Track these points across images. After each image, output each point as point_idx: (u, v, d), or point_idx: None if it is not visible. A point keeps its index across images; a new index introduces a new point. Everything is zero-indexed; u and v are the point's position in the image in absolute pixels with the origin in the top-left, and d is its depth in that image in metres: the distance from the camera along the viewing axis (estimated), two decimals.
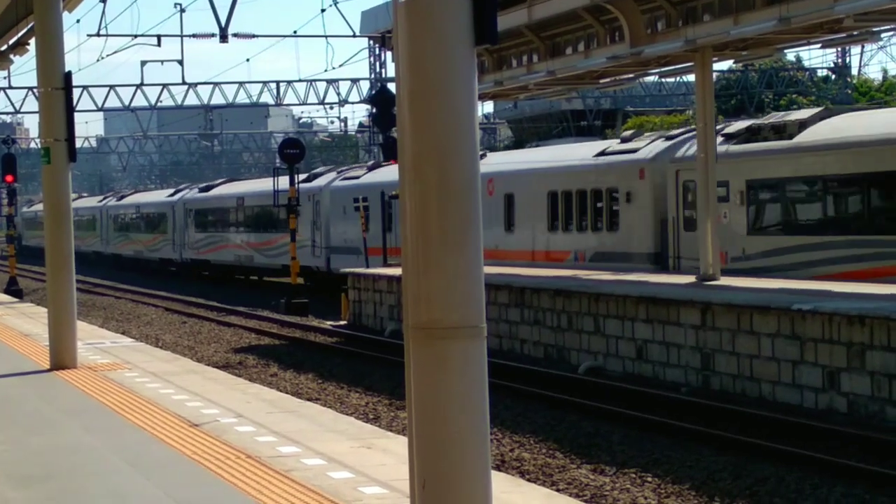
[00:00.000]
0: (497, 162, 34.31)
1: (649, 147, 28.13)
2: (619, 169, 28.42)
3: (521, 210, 31.87)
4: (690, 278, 23.07)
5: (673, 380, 20.12)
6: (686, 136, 27.91)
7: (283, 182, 40.06)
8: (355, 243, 38.98)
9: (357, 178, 42.34)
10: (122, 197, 74.43)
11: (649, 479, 13.45)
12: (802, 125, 24.02)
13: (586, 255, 29.21)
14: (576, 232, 29.76)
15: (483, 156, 34.09)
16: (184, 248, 57.35)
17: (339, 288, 35.64)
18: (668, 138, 28.34)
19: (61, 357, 15.07)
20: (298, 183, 40.15)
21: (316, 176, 46.50)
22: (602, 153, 29.68)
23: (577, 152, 31.71)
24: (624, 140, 30.28)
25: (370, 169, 43.12)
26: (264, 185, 48.18)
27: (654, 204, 27.08)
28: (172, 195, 62.27)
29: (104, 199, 79.52)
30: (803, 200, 23.87)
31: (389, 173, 38.16)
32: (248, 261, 50.03)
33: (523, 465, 14.35)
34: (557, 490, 12.69)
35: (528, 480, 12.81)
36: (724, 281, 22.19)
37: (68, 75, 15.23)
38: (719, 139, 25.20)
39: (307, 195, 43.13)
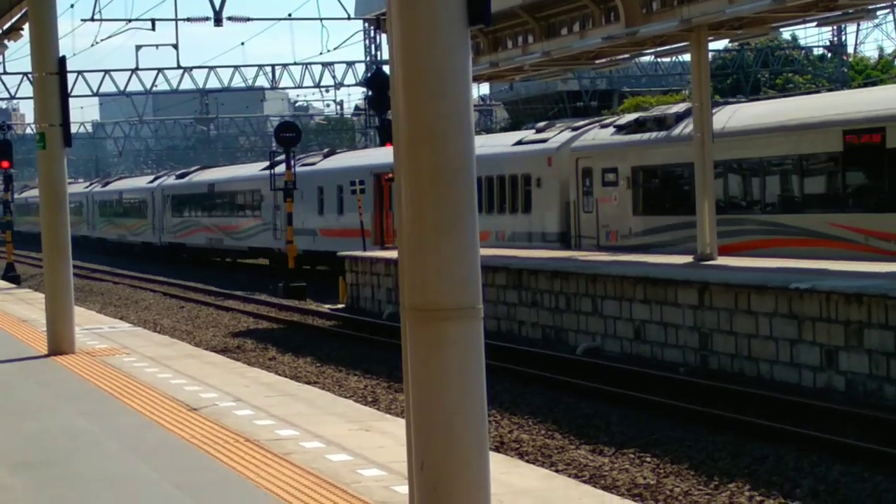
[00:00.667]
0: (372, 152, 37.73)
1: (557, 137, 31.11)
2: (531, 157, 31.52)
3: (486, 194, 33.82)
4: (688, 258, 23.08)
5: (671, 360, 20.13)
6: (588, 126, 31.12)
7: (250, 168, 44.80)
8: (310, 225, 42.76)
9: (313, 164, 45.24)
10: (107, 183, 77.13)
11: (648, 459, 13.47)
12: (679, 118, 26.99)
13: (505, 235, 32.11)
14: (496, 214, 32.70)
15: None
16: (162, 232, 60.20)
17: (297, 267, 39.74)
18: (574, 129, 31.32)
19: (59, 342, 15.07)
20: (273, 169, 42.38)
21: (276, 163, 47.32)
22: (519, 142, 32.84)
23: (500, 141, 34.89)
24: (538, 130, 33.42)
25: (325, 156, 46.54)
26: (233, 172, 53.74)
27: (560, 189, 30.20)
28: (152, 182, 65.11)
29: (90, 185, 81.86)
30: (675, 184, 26.74)
31: (343, 160, 41.86)
32: (218, 243, 53.24)
33: (522, 446, 14.37)
34: (556, 471, 12.70)
35: (527, 461, 12.82)
36: (722, 261, 22.20)
37: (62, 60, 15.19)
38: (612, 130, 29.11)
39: (267, 181, 44.50)
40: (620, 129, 28.91)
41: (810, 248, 22.67)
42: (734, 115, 25.74)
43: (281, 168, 44.53)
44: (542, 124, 35.30)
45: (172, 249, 59.35)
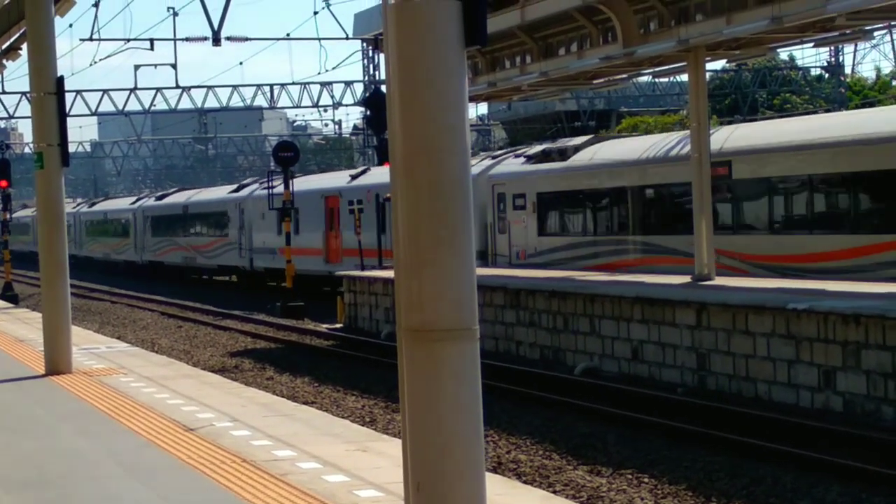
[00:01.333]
0: (376, 174, 40.45)
1: (478, 165, 34.45)
2: None
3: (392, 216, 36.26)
4: (685, 279, 23.08)
5: (669, 380, 20.12)
6: (504, 156, 34.97)
7: (219, 191, 50.72)
8: (270, 244, 45.94)
9: (275, 188, 47.06)
10: (93, 204, 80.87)
11: (646, 479, 13.44)
12: (576, 149, 30.87)
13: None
14: None
15: (367, 170, 43.04)
16: (143, 250, 64.09)
17: (262, 283, 46.88)
18: (493, 157, 35.32)
19: (56, 362, 15.05)
20: (239, 192, 48.29)
21: (243, 186, 53.21)
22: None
23: None
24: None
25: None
26: (204, 194, 57.94)
27: (480, 211, 32.66)
28: (134, 203, 69.01)
29: (77, 205, 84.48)
30: (569, 209, 30.37)
31: (299, 184, 43.55)
32: (192, 261, 56.62)
33: (520, 466, 14.35)
34: (554, 492, 12.68)
35: (525, 482, 12.81)
36: (719, 281, 22.20)
37: (60, 80, 15.20)
38: (523, 159, 32.66)
39: (234, 203, 50.51)
40: (529, 158, 32.49)
41: (676, 265, 25.52)
42: (601, 150, 30.25)
43: (243, 191, 50.83)
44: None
45: (153, 267, 62.59)
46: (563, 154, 30.93)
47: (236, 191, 52.53)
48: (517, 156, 33.63)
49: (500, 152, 36.05)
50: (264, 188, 46.97)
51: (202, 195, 58.40)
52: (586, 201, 29.62)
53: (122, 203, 73.58)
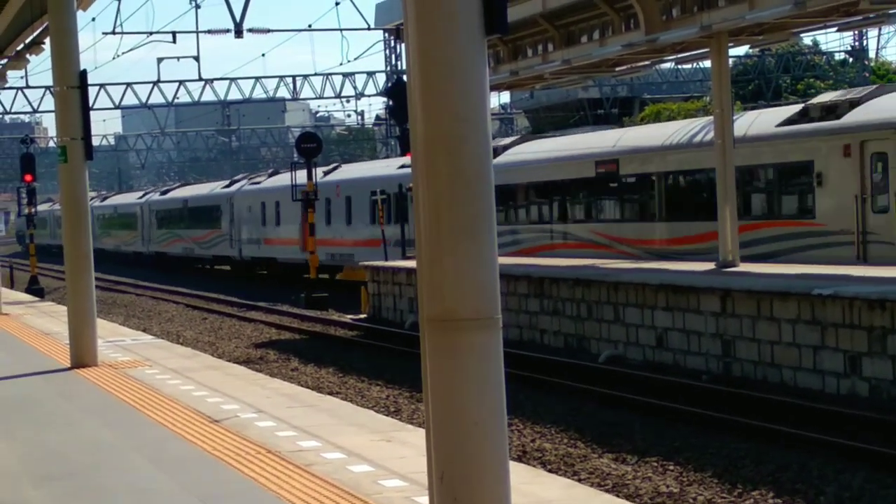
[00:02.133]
0: (345, 170, 45.25)
1: None
2: (403, 178, 36.93)
3: (356, 209, 41.80)
4: (710, 265, 23.02)
5: (694, 367, 20.08)
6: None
7: (215, 185, 57.67)
8: (255, 235, 50.53)
9: (259, 183, 52.99)
10: (105, 198, 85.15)
11: (671, 467, 13.42)
12: (505, 148, 34.90)
13: (391, 243, 37.14)
14: (386, 224, 38.80)
15: (338, 167, 48.18)
16: (149, 242, 68.01)
17: (251, 271, 52.00)
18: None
19: (82, 355, 15.12)
20: (232, 186, 53.49)
21: (234, 182, 57.80)
22: (405, 165, 38.72)
23: (392, 163, 42.33)
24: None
25: (269, 176, 54.16)
26: (202, 189, 62.52)
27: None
28: (141, 197, 73.01)
29: (90, 200, 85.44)
30: (500, 202, 31.95)
31: (281, 180, 48.68)
32: (191, 252, 60.62)
33: (545, 455, 14.34)
34: (579, 480, 12.68)
35: (550, 471, 12.80)
36: (744, 267, 22.12)
37: (83, 74, 15.25)
38: None
39: (226, 198, 54.94)
40: None
41: (583, 250, 29.59)
42: (524, 148, 34.70)
43: (233, 187, 55.39)
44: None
45: (158, 258, 66.37)
46: (494, 153, 34.88)
47: (228, 186, 57.13)
48: None
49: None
50: (252, 183, 53.30)
51: (200, 190, 62.53)
52: (514, 194, 33.29)
53: (131, 197, 77.75)
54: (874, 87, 26.14)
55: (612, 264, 25.58)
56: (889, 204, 21.90)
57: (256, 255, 50.88)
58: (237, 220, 52.92)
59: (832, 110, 23.77)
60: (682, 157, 27.12)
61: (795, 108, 25.58)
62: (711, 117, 25.45)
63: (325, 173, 45.42)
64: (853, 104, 23.37)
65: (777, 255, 23.86)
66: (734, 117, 24.79)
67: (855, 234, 22.39)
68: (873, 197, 22.22)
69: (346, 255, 41.11)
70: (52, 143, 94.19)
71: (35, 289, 42.28)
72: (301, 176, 45.77)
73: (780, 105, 39.34)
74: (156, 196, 69.67)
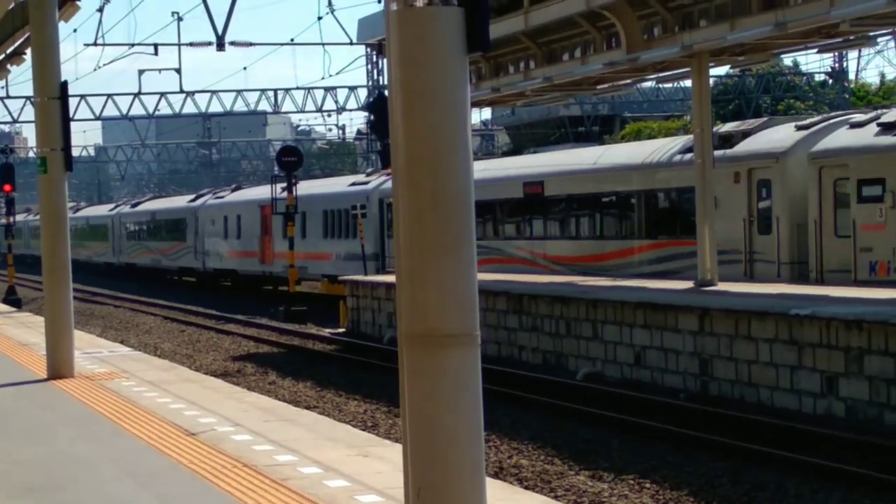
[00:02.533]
0: (303, 186, 45.90)
1: (375, 181, 41.01)
2: (358, 195, 40.70)
3: (310, 223, 43.83)
4: (688, 284, 23.07)
5: (671, 385, 20.11)
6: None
7: (181, 199, 61.24)
8: (218, 249, 52.97)
9: (222, 197, 55.39)
10: (77, 210, 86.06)
11: (648, 485, 13.44)
12: None
13: (341, 255, 40.65)
14: (335, 239, 41.83)
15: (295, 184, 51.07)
16: (120, 253, 70.36)
17: (213, 281, 54.43)
18: (388, 174, 40.32)
19: (58, 366, 15.06)
20: (196, 201, 56.44)
21: (200, 196, 60.14)
22: (353, 184, 42.96)
23: (341, 182, 45.55)
24: (368, 175, 44.50)
25: (233, 191, 56.76)
26: (168, 203, 65.75)
27: (378, 219, 39.28)
28: (112, 209, 75.34)
29: None
30: None
31: (243, 195, 52.74)
32: (157, 263, 63.01)
33: (521, 471, 14.34)
34: (555, 497, 12.68)
35: (526, 488, 12.81)
36: (722, 286, 22.19)
37: (64, 85, 15.22)
38: None
39: (191, 212, 57.17)
40: None
41: (510, 265, 31.66)
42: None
43: (198, 200, 57.50)
44: (370, 171, 47.72)
45: (128, 268, 68.83)
46: None
47: (193, 200, 59.78)
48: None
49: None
50: (216, 198, 55.85)
51: (167, 203, 65.48)
52: None
53: (103, 210, 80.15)
54: (766, 119, 28.46)
55: (591, 282, 25.63)
56: (772, 226, 24.27)
57: (219, 266, 53.38)
58: (201, 232, 55.31)
59: (727, 140, 26.01)
60: (597, 180, 29.59)
61: (686, 139, 27.99)
62: (625, 143, 30.98)
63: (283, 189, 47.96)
64: (745, 135, 25.77)
65: (679, 271, 25.82)
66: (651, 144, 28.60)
67: (743, 253, 24.79)
68: (759, 220, 24.69)
69: (300, 267, 41.69)
70: (31, 154, 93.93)
71: (12, 299, 42.11)
72: (263, 191, 49.15)
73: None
74: (126, 209, 72.12)
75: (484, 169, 34.51)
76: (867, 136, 22.75)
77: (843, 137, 23.13)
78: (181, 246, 58.50)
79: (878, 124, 22.77)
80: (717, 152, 24.76)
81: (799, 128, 24.64)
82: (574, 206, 30.59)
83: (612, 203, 29.32)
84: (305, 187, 47.09)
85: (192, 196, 61.83)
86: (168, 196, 77.53)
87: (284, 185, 48.61)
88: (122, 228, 69.80)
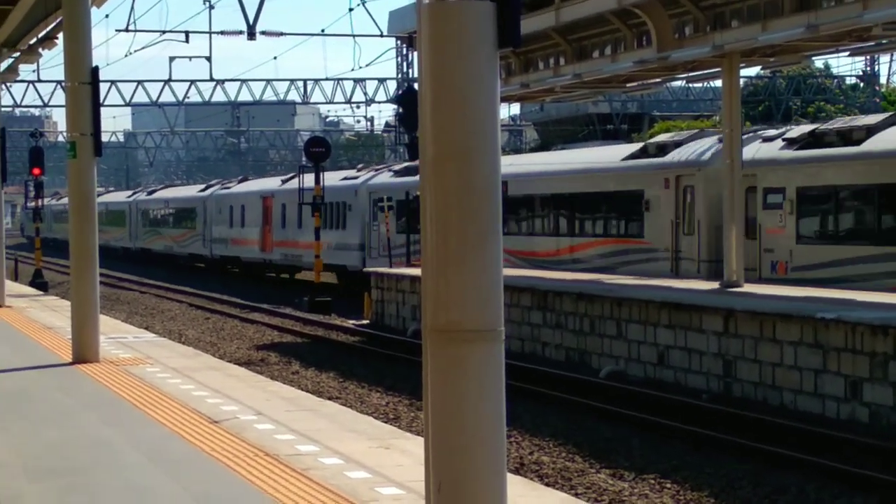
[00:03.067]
0: (265, 181, 51.93)
1: (364, 176, 44.24)
2: (347, 189, 43.52)
3: (306, 215, 44.38)
4: (714, 284, 23.01)
5: (694, 386, 20.07)
6: (382, 169, 44.78)
7: (192, 189, 66.02)
8: (223, 235, 55.85)
9: (229, 188, 58.54)
10: (98, 195, 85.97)
11: (668, 485, 13.42)
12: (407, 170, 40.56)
13: (332, 245, 42.71)
14: (328, 230, 42.81)
15: (294, 176, 51.67)
16: (136, 239, 72.99)
17: (222, 268, 57.26)
18: (376, 170, 44.91)
19: (83, 351, 15.13)
20: (207, 190, 60.26)
21: (210, 186, 63.74)
22: (345, 178, 45.26)
23: (335, 176, 45.79)
24: (358, 170, 47.27)
25: (239, 182, 60.08)
26: (181, 192, 68.66)
27: (363, 213, 42.02)
28: (130, 196, 78.23)
29: None
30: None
31: (248, 186, 56.02)
32: (170, 249, 65.52)
33: (542, 468, 14.34)
34: (576, 494, 12.67)
35: (547, 484, 12.80)
36: (748, 288, 22.13)
37: (95, 70, 15.26)
38: (391, 173, 42.68)
39: (201, 201, 59.99)
40: (396, 173, 42.06)
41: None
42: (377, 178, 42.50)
43: (207, 191, 60.71)
44: (360, 166, 50.65)
45: (143, 253, 71.08)
46: (409, 172, 40.16)
47: (203, 190, 62.61)
48: (389, 170, 43.55)
49: (380, 167, 46.62)
50: (223, 188, 59.03)
51: (180, 192, 68.25)
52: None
53: (120, 196, 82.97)
54: (696, 131, 31.85)
55: (616, 280, 25.60)
56: (694, 228, 26.87)
57: (224, 253, 56.28)
58: (209, 221, 58.28)
59: (662, 148, 28.96)
60: (547, 183, 32.65)
61: (638, 145, 31.50)
62: (581, 148, 35.78)
63: (284, 181, 51.50)
64: (677, 144, 28.71)
65: (616, 267, 28.87)
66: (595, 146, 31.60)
67: (670, 251, 27.46)
68: (683, 222, 27.24)
69: (296, 255, 46.63)
70: (61, 138, 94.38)
71: (39, 282, 42.30)
72: (266, 182, 53.05)
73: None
74: (143, 195, 75.28)
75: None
76: (773, 149, 25.48)
77: (754, 150, 25.48)
78: (191, 233, 61.49)
79: (784, 139, 25.46)
80: (653, 160, 28.56)
81: (721, 140, 25.47)
82: (535, 205, 33.16)
83: (561, 203, 32.21)
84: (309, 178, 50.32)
85: (203, 186, 65.04)
86: (192, 184, 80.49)
87: (285, 177, 52.32)
88: (138, 215, 72.52)
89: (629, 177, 29.00)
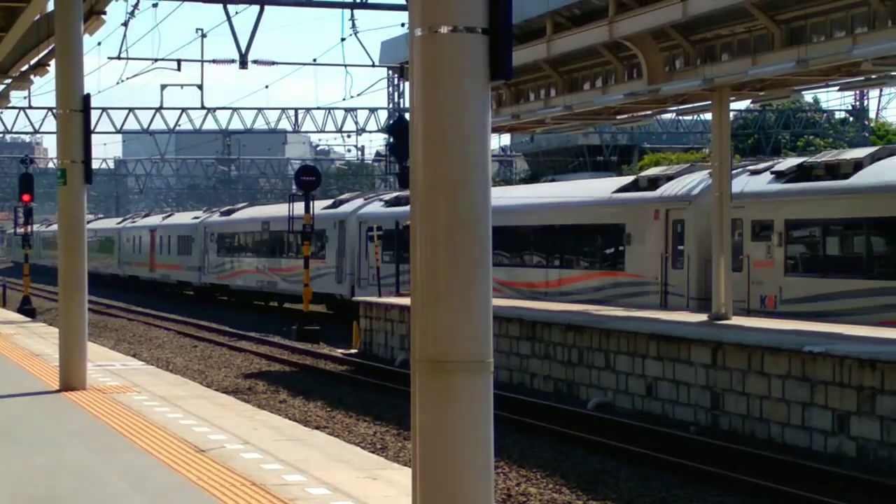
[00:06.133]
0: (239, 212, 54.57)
1: (349, 205, 45.35)
2: (329, 218, 44.40)
3: (277, 244, 48.43)
4: (702, 317, 23.03)
5: (682, 418, 20.05)
6: (372, 198, 45.38)
7: (185, 216, 67.37)
8: (214, 264, 57.61)
9: (226, 216, 59.71)
10: (87, 222, 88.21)
11: None
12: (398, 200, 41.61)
13: (319, 274, 43.33)
14: (313, 259, 42.60)
15: (171, 214, 62.47)
16: (124, 265, 74.44)
17: (212, 297, 58.45)
18: (366, 199, 45.58)
19: (70, 378, 15.07)
20: (201, 219, 61.55)
21: (210, 212, 65.57)
22: (327, 207, 46.19)
23: (323, 205, 46.49)
24: (338, 201, 47.96)
25: (228, 213, 60.88)
26: (172, 220, 69.02)
27: (350, 241, 42.97)
28: (119, 223, 79.98)
29: None
30: (404, 239, 34.47)
31: (245, 213, 57.05)
32: (166, 278, 66.45)
33: (529, 499, 14.30)
34: None
35: None
36: (736, 321, 22.15)
37: (87, 98, 15.27)
38: (382, 203, 43.37)
39: (199, 228, 61.02)
40: (386, 203, 42.78)
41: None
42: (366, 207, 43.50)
43: (201, 220, 61.59)
44: (345, 195, 51.73)
45: (131, 280, 72.37)
46: (399, 202, 40.97)
47: (196, 217, 64.33)
48: (379, 199, 44.30)
49: (369, 195, 47.09)
50: (220, 215, 60.26)
51: (170, 220, 69.66)
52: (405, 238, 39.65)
53: (109, 223, 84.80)
54: (687, 165, 32.14)
55: (605, 311, 25.60)
56: (684, 261, 26.91)
57: (214, 282, 58.89)
58: (205, 250, 60.44)
59: (654, 182, 29.09)
60: (537, 214, 33.29)
61: (629, 178, 31.85)
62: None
63: (226, 214, 56.98)
64: (669, 178, 28.79)
65: (607, 300, 28.81)
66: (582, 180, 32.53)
67: (660, 284, 27.55)
68: (673, 256, 27.36)
69: (270, 282, 49.53)
70: (51, 164, 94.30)
71: (27, 309, 42.19)
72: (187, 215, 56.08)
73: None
74: (129, 223, 77.65)
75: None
76: (761, 182, 25.55)
77: (742, 183, 25.54)
78: (186, 263, 63.65)
79: (772, 172, 25.54)
80: (645, 193, 28.65)
81: (712, 174, 25.59)
82: (522, 237, 33.59)
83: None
84: (274, 210, 52.71)
85: (195, 213, 68.22)
86: (181, 212, 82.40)
87: (249, 205, 56.43)
88: (125, 242, 74.56)
89: (619, 210, 29.23)
